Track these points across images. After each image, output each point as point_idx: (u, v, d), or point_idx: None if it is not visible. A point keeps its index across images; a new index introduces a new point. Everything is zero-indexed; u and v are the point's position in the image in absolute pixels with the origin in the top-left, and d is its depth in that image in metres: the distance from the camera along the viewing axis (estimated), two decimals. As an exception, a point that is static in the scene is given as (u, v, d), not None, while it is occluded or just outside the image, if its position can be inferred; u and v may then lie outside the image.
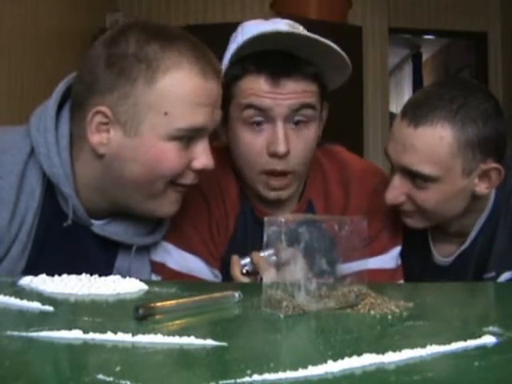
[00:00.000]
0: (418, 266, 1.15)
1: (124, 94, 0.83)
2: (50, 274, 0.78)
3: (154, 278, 1.01)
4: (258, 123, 0.96)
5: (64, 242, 0.91)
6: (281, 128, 0.95)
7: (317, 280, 0.65)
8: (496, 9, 4.38)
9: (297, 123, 0.97)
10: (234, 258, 0.91)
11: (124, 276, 0.80)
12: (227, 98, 0.99)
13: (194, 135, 0.87)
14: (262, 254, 0.86)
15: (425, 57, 6.13)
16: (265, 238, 0.64)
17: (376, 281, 0.99)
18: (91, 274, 0.81)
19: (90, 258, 0.94)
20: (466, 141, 0.97)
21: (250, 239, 1.05)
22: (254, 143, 0.97)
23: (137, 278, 0.90)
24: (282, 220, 0.63)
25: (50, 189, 0.90)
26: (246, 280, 0.90)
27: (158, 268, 1.02)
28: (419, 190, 1.01)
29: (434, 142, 0.97)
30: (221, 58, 1.04)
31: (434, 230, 1.14)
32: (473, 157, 0.98)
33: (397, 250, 1.10)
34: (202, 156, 0.88)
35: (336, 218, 0.70)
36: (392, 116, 4.44)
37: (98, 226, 0.94)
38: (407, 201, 1.03)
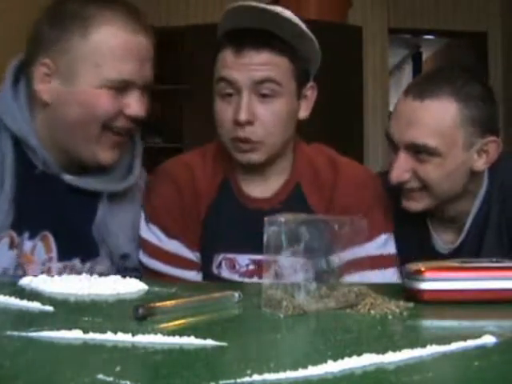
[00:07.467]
0: (420, 257, 1.16)
1: (63, 47, 0.95)
2: (34, 226, 0.94)
3: (142, 256, 1.07)
4: (230, 95, 1.02)
5: (40, 195, 0.99)
6: (244, 97, 1.00)
7: (317, 280, 0.65)
8: (496, 9, 4.37)
9: (264, 96, 1.01)
10: None
11: (104, 227, 0.93)
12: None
13: (124, 86, 0.97)
14: None
15: (425, 57, 6.12)
16: (265, 238, 0.64)
17: (360, 267, 0.98)
18: (71, 228, 0.98)
19: (69, 210, 1.02)
20: (468, 115, 1.03)
21: (224, 227, 1.09)
22: (224, 113, 1.03)
23: (117, 227, 1.05)
24: (282, 220, 0.63)
25: (19, 150, 0.99)
26: None
27: (150, 248, 1.08)
28: (423, 165, 1.04)
29: (440, 114, 1.02)
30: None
31: (432, 218, 1.16)
32: (473, 131, 1.03)
33: (382, 237, 1.07)
34: (134, 104, 0.98)
35: (336, 218, 0.70)
36: (392, 116, 4.43)
37: (69, 178, 1.02)
38: (412, 178, 1.06)
